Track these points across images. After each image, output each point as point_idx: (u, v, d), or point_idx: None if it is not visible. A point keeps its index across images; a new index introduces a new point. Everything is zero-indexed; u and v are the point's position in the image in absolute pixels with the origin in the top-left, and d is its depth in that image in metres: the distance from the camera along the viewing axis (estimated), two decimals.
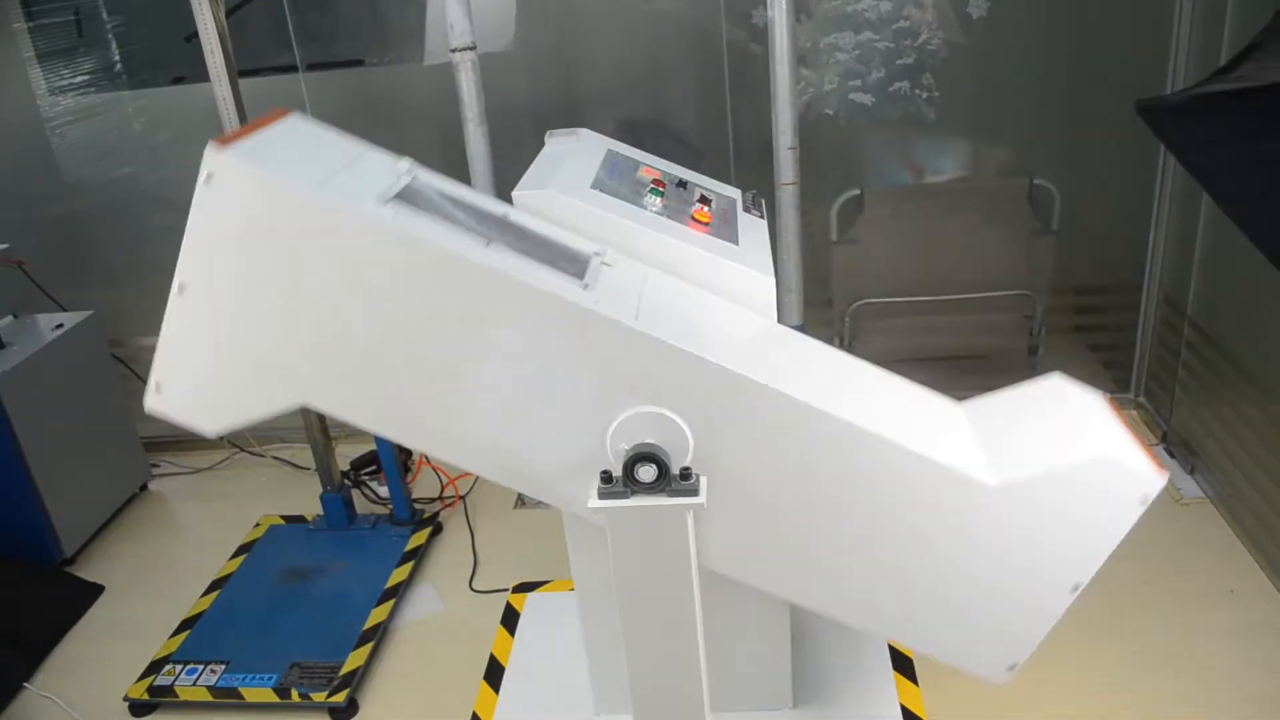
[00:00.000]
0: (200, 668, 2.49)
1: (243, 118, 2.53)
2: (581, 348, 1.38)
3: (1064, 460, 1.35)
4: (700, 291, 1.61)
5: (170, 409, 1.40)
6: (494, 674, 2.34)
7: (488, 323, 1.35)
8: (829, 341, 3.38)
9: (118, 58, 3.32)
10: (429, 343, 1.36)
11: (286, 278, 1.32)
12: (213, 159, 1.24)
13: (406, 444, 1.54)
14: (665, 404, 1.41)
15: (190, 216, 1.28)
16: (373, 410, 1.43)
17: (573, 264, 1.46)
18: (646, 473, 1.42)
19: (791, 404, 1.38)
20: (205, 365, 1.39)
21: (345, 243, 1.29)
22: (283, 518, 3.13)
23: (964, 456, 1.40)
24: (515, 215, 1.56)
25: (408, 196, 1.38)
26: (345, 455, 3.29)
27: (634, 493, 1.44)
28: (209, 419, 1.42)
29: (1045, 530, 1.41)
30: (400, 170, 1.46)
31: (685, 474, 1.43)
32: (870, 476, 1.43)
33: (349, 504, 3.04)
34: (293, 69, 3.18)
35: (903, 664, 2.23)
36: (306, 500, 3.15)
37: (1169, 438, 3.09)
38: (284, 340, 1.36)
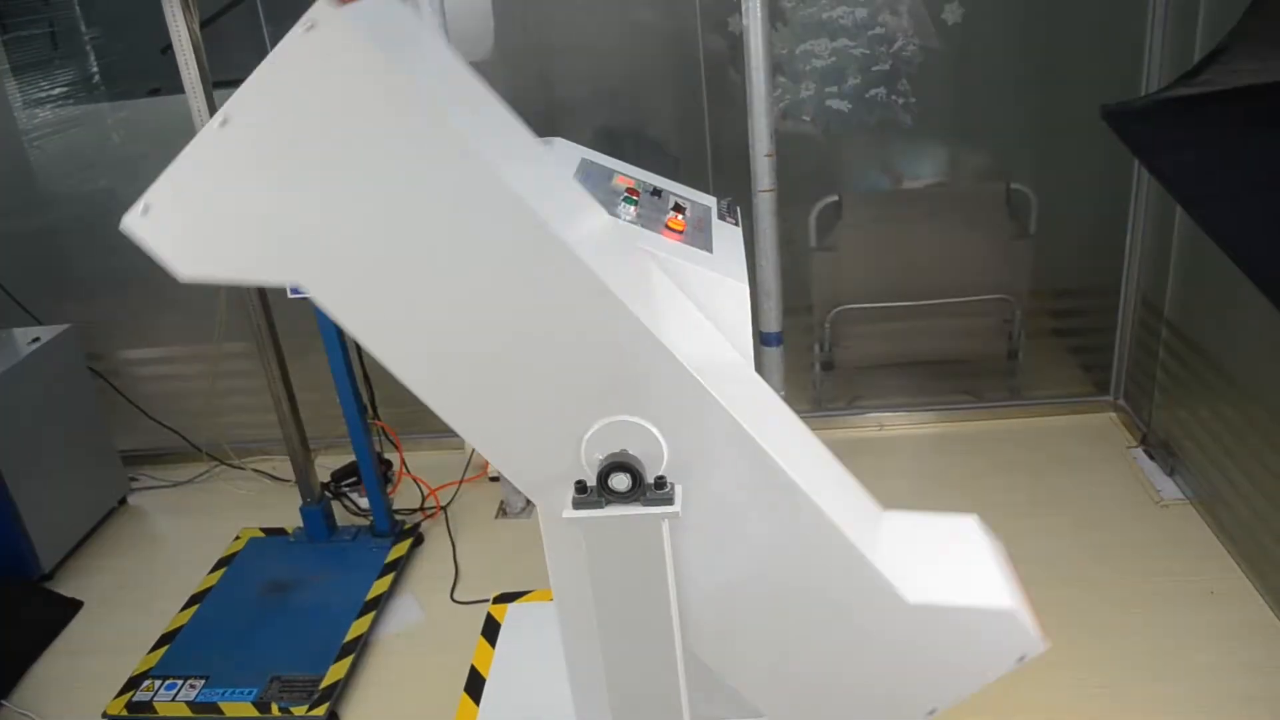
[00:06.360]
0: (179, 683, 2.47)
1: None
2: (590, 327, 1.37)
3: (977, 600, 1.45)
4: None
5: (149, 236, 1.29)
6: (475, 685, 2.33)
7: (512, 263, 1.30)
8: (809, 348, 3.42)
9: (95, 69, 3.30)
10: (448, 273, 1.30)
11: (340, 152, 1.25)
12: (321, 12, 1.18)
13: (378, 355, 1.39)
14: (640, 413, 1.41)
15: (269, 58, 1.21)
16: (360, 314, 1.35)
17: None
18: (620, 482, 1.41)
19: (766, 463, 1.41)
20: (211, 203, 1.29)
21: (409, 142, 1.24)
22: (263, 530, 3.11)
23: (890, 566, 1.47)
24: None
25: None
26: (325, 467, 3.28)
27: (608, 502, 1.43)
28: (187, 260, 1.32)
29: (932, 654, 1.49)
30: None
31: (660, 483, 1.43)
32: (805, 559, 1.47)
33: (329, 516, 3.03)
34: None
35: None
36: (287, 513, 3.13)
37: (1148, 439, 3.10)
38: (306, 210, 1.29)
